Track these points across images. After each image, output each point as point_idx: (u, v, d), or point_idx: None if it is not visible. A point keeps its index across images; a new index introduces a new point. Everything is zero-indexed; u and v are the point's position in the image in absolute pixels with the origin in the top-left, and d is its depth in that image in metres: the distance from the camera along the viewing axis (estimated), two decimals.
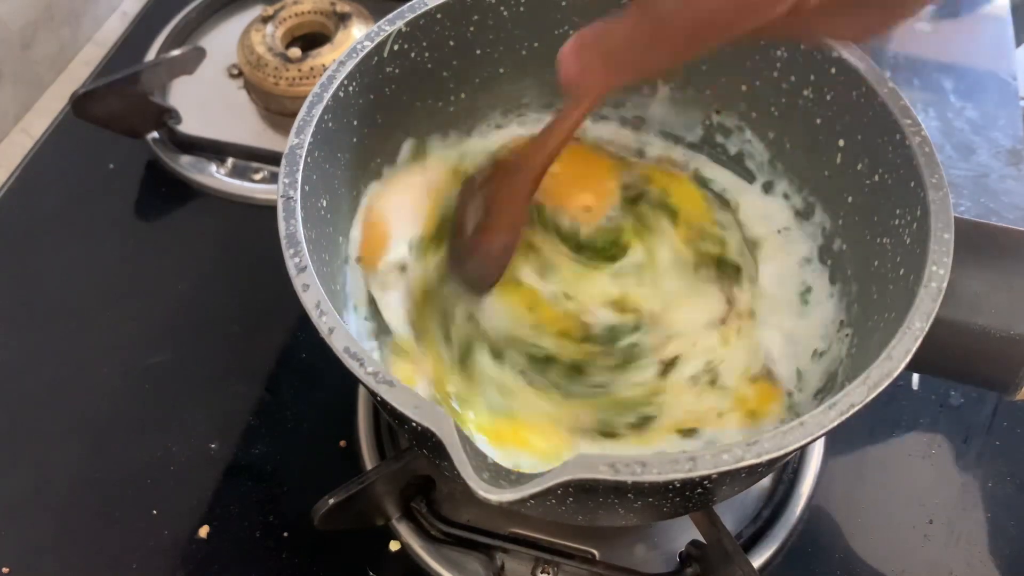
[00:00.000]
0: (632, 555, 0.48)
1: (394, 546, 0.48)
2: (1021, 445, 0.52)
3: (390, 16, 0.45)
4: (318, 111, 0.41)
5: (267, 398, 0.55)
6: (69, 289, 0.60)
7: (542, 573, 0.47)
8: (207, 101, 0.71)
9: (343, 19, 0.71)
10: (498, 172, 0.46)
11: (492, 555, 0.48)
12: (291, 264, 0.36)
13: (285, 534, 0.49)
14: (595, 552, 0.48)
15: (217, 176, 0.66)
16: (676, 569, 0.47)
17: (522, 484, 0.29)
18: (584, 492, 0.34)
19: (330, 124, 0.42)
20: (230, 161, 0.67)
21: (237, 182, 0.66)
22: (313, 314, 0.35)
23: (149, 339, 0.57)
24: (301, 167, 0.39)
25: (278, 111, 0.70)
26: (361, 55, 0.43)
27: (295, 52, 0.69)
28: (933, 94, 0.69)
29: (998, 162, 0.65)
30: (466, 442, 0.31)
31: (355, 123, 0.45)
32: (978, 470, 0.51)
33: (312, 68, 0.68)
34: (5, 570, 0.48)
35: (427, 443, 0.37)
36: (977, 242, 0.40)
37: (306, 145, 0.40)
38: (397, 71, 0.46)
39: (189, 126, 0.68)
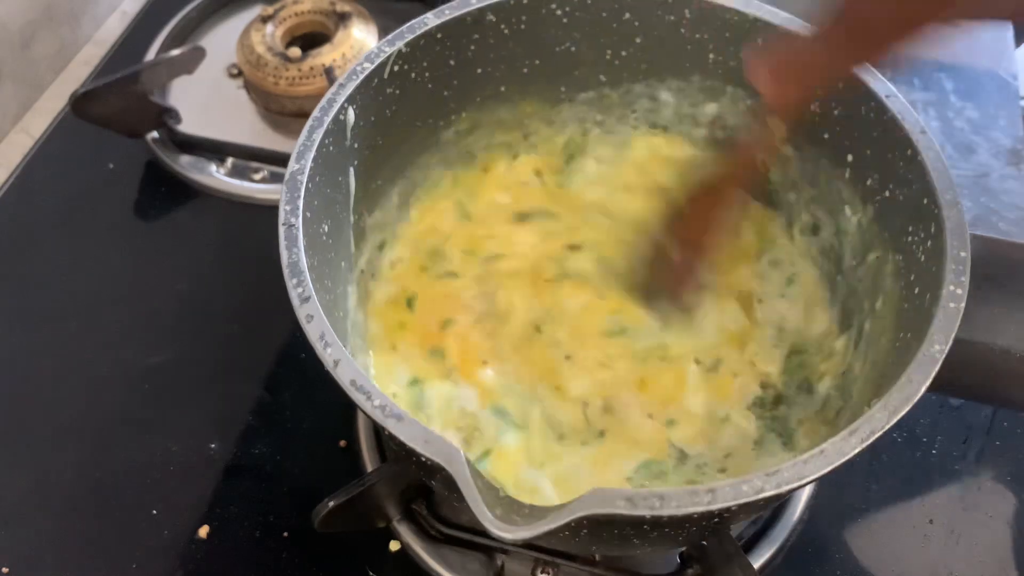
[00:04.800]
0: (632, 555, 0.48)
1: (394, 546, 0.48)
2: (1021, 445, 0.52)
3: (390, 37, 0.44)
4: (319, 135, 0.40)
5: (267, 398, 0.55)
6: (69, 289, 0.60)
7: (542, 573, 0.47)
8: (207, 101, 0.71)
9: (343, 19, 0.71)
10: (695, 194, 0.45)
11: (492, 555, 0.47)
12: (294, 294, 0.36)
13: (285, 534, 0.49)
14: (595, 552, 0.48)
15: (217, 176, 0.66)
16: (676, 570, 0.47)
17: (536, 520, 0.29)
18: (599, 525, 0.33)
19: (331, 148, 0.42)
20: (230, 161, 0.67)
21: (237, 182, 0.65)
22: (317, 346, 0.34)
23: (149, 339, 0.57)
24: (302, 193, 0.39)
25: (278, 111, 0.70)
26: (361, 77, 0.43)
27: (295, 52, 0.69)
28: (933, 94, 0.69)
29: (998, 162, 0.64)
30: (477, 477, 0.30)
31: (356, 146, 0.44)
32: (978, 470, 0.51)
33: (312, 68, 0.68)
34: (5, 570, 0.48)
35: (435, 475, 0.37)
36: (993, 260, 0.39)
37: (307, 171, 0.39)
38: (398, 92, 0.46)
39: (189, 126, 0.68)
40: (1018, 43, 0.74)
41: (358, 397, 0.33)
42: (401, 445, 0.32)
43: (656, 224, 0.46)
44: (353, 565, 0.48)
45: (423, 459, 0.31)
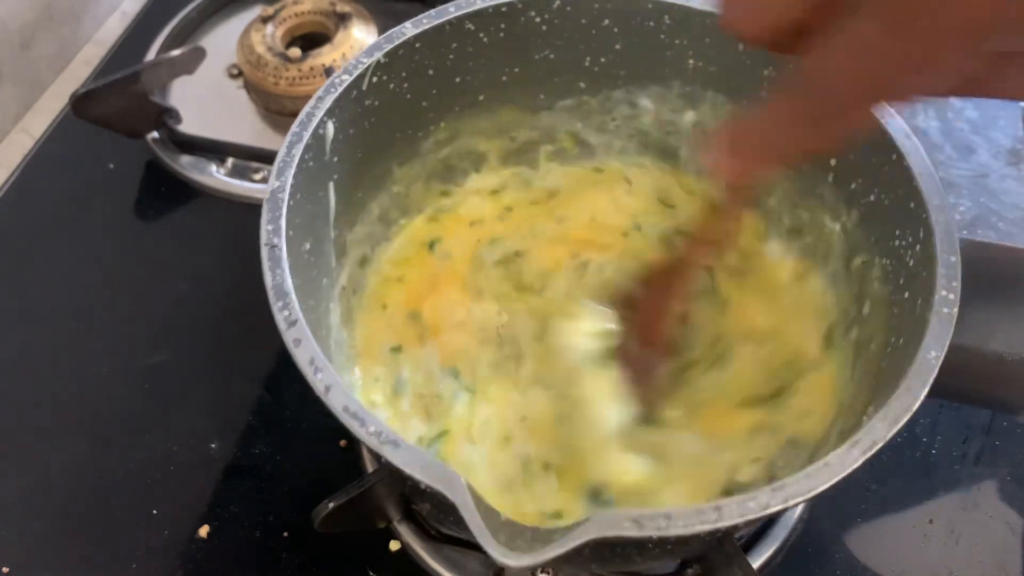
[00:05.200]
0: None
1: (394, 546, 0.48)
2: (1021, 445, 0.52)
3: (368, 48, 0.44)
4: (298, 151, 0.40)
5: (267, 398, 0.55)
6: (69, 289, 0.60)
7: (542, 573, 0.47)
8: (207, 101, 0.71)
9: (343, 19, 0.71)
10: (649, 277, 0.43)
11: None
12: (280, 318, 0.35)
13: (285, 534, 0.49)
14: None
15: (217, 176, 0.66)
16: (676, 570, 0.47)
17: (540, 545, 0.28)
18: (603, 546, 0.33)
19: (311, 163, 0.41)
20: (230, 161, 0.67)
21: (237, 182, 0.66)
22: (307, 371, 0.34)
23: (149, 339, 0.57)
24: (284, 212, 0.38)
25: (278, 111, 0.70)
26: (340, 90, 0.42)
27: (295, 52, 0.69)
28: None
29: (998, 162, 0.65)
30: (479, 502, 0.30)
31: (335, 160, 0.44)
32: (978, 470, 0.51)
33: (312, 68, 0.68)
34: (5, 570, 0.48)
35: (434, 500, 0.36)
36: (983, 264, 0.39)
37: (287, 188, 0.39)
38: (377, 103, 0.45)
39: (189, 126, 0.68)
40: None
41: (351, 423, 0.32)
42: (398, 473, 0.31)
43: (612, 314, 0.44)
44: (353, 565, 0.48)
45: (422, 487, 0.31)
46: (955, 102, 0.68)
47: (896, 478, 0.51)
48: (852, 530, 0.49)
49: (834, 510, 0.50)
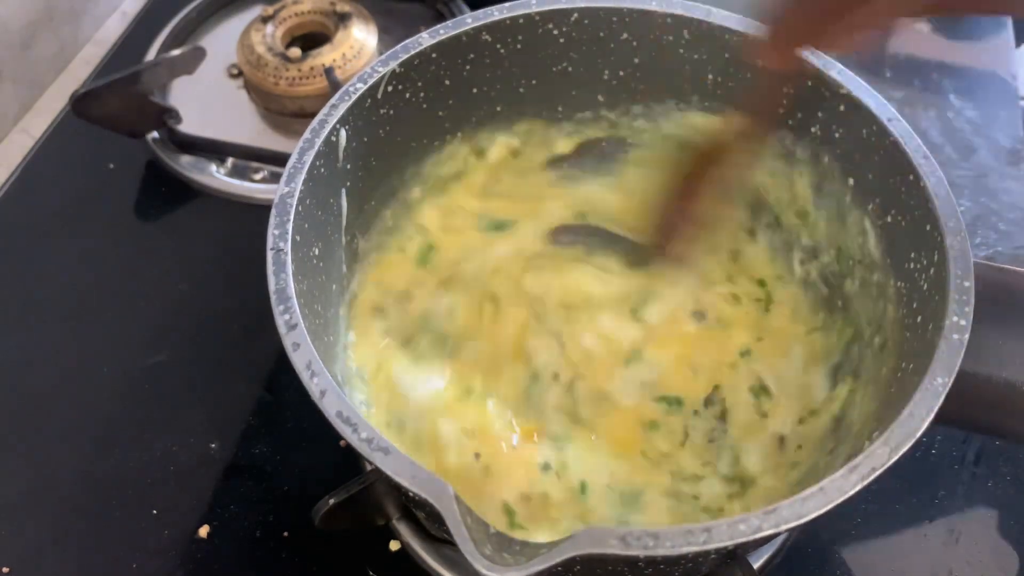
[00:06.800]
0: None
1: (394, 546, 0.48)
2: (1021, 445, 0.52)
3: (383, 57, 0.44)
4: (309, 157, 0.40)
5: (267, 398, 0.55)
6: (69, 289, 0.60)
7: None
8: (207, 101, 0.71)
9: (343, 19, 0.71)
10: (697, 156, 0.46)
11: None
12: (280, 322, 0.35)
13: (285, 534, 0.49)
14: None
15: (217, 176, 0.66)
16: None
17: (526, 559, 0.28)
18: (592, 563, 0.33)
19: (322, 170, 0.41)
20: (230, 161, 0.67)
21: (237, 182, 0.66)
22: (304, 375, 0.34)
23: (149, 339, 0.57)
24: (292, 217, 0.38)
25: (278, 111, 0.70)
26: (354, 98, 0.42)
27: (295, 52, 0.69)
28: (933, 94, 0.69)
29: (998, 162, 0.65)
30: (467, 513, 0.30)
31: (348, 167, 0.44)
32: (978, 470, 0.51)
33: (312, 68, 0.68)
34: (5, 570, 0.48)
35: (424, 509, 0.36)
36: (997, 288, 0.38)
37: (297, 193, 0.39)
38: (391, 112, 0.45)
39: (189, 126, 0.68)
40: (1018, 43, 0.74)
41: (344, 430, 0.33)
42: (387, 480, 0.31)
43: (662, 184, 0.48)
44: (353, 565, 0.48)
45: (411, 494, 0.31)
46: (955, 102, 0.68)
47: (896, 477, 0.50)
48: (852, 530, 0.49)
49: (833, 509, 0.50)
